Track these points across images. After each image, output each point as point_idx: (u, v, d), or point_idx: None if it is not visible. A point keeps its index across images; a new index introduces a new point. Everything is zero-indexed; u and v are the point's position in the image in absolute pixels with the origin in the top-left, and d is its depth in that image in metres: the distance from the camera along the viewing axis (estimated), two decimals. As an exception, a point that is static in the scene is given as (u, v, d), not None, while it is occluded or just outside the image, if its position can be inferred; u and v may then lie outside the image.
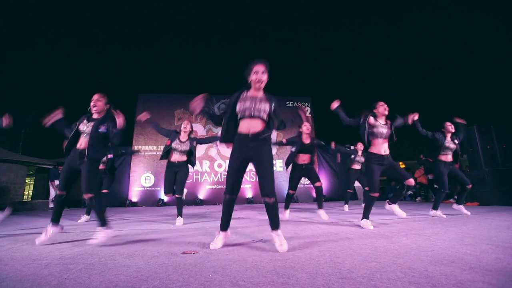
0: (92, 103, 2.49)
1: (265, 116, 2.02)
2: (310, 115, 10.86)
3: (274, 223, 1.95)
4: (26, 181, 13.14)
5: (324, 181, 10.15)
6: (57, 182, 7.50)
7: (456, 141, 3.89)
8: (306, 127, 3.87)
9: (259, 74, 1.99)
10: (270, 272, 1.37)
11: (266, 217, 2.02)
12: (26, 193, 12.47)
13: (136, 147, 9.31)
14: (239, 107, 1.99)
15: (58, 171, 8.05)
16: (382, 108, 3.03)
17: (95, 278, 1.34)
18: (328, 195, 9.72)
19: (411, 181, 2.96)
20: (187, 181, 3.74)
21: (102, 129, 2.44)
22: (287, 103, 10.84)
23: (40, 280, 1.32)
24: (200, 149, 9.73)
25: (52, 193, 8.00)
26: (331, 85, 18.63)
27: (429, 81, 18.14)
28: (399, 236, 2.28)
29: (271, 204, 1.94)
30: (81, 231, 3.05)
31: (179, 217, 3.58)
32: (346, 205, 5.39)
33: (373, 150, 2.99)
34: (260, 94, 2.07)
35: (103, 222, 2.35)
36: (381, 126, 3.00)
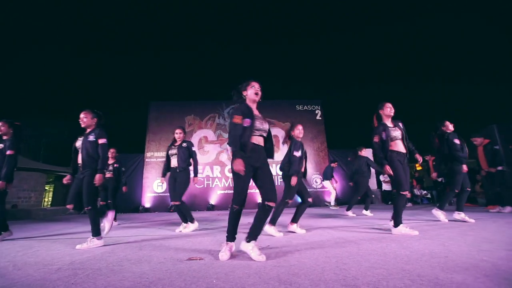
0: (80, 120, 2.68)
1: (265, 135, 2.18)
2: (320, 118, 10.76)
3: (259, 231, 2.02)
4: (46, 188, 13.71)
5: (340, 184, 9.88)
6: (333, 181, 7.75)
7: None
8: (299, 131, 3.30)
9: (256, 88, 2.14)
10: (273, 278, 1.34)
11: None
12: (45, 199, 12.98)
13: (148, 154, 9.52)
14: (257, 125, 2.07)
15: (332, 171, 7.93)
16: (388, 110, 2.90)
17: (100, 283, 1.37)
18: (344, 199, 9.50)
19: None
20: (197, 186, 3.66)
21: (91, 138, 2.61)
22: (296, 106, 10.78)
23: (48, 285, 1.36)
24: (211, 155, 9.82)
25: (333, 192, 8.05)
26: (341, 88, 18.49)
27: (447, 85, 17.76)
28: (411, 241, 2.19)
29: (272, 208, 2.02)
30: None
31: (183, 223, 3.53)
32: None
33: (394, 148, 2.84)
34: (257, 111, 2.19)
35: (96, 232, 2.50)
36: (392, 129, 2.88)
